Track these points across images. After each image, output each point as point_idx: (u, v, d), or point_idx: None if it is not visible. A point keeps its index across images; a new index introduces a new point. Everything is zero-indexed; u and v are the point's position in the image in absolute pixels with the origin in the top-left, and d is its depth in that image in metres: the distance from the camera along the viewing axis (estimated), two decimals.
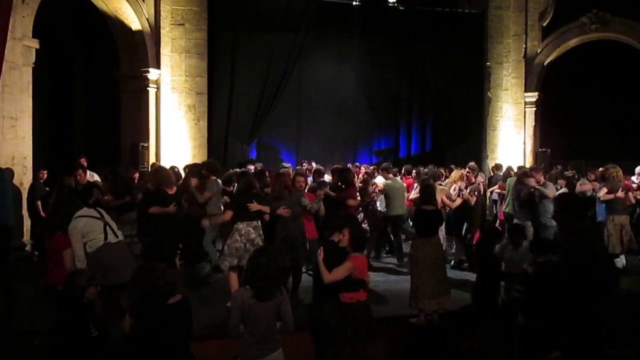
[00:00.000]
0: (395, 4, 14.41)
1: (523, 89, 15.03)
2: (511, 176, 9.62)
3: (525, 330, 4.63)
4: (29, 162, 9.21)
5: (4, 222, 6.44)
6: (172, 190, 6.68)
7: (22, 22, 8.90)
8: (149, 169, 10.71)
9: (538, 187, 8.06)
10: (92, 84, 14.13)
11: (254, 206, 6.14)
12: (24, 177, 8.96)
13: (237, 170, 9.52)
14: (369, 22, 14.20)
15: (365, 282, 4.67)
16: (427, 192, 6.85)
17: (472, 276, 7.39)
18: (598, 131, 14.73)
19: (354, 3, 14.16)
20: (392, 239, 9.08)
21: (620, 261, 8.05)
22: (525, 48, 14.93)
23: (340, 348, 4.58)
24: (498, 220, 9.96)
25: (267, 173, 8.67)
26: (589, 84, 14.79)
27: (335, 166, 9.69)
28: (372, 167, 11.62)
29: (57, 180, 7.99)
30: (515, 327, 4.77)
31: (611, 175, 8.27)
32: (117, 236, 5.56)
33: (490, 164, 14.01)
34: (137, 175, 9.55)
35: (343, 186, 7.89)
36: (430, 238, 6.24)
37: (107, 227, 5.51)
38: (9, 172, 8.33)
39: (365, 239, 5.00)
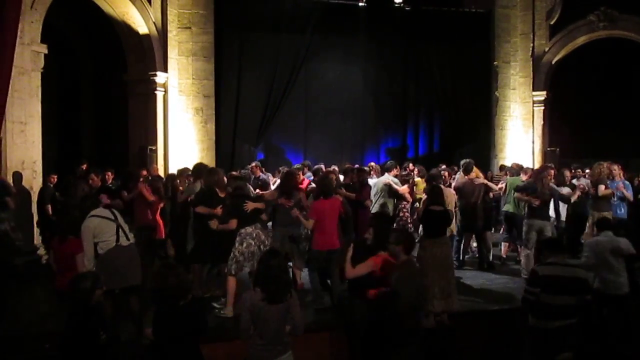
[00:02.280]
0: (402, 4, 14.35)
1: (531, 88, 14.93)
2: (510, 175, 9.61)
3: (535, 331, 4.61)
4: (39, 167, 9.28)
5: None
6: (223, 194, 6.67)
7: (30, 28, 8.97)
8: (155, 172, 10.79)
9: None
10: (100, 88, 14.22)
11: (250, 204, 6.16)
12: (33, 182, 9.02)
13: (234, 173, 9.47)
14: (375, 22, 14.17)
15: (386, 280, 4.64)
16: (435, 192, 6.84)
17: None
18: (608, 129, 14.60)
19: (360, 4, 14.13)
20: None
21: None
22: (533, 47, 14.85)
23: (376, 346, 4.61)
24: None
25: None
26: (598, 82, 14.68)
27: (347, 166, 9.63)
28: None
29: (70, 184, 8.07)
30: (525, 327, 4.75)
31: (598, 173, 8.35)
32: (128, 239, 5.60)
33: (500, 163, 13.96)
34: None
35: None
36: (438, 238, 6.24)
37: (120, 230, 5.55)
38: (17, 176, 8.42)
39: (386, 239, 4.89)
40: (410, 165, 11.12)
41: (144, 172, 9.59)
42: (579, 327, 4.58)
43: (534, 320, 4.63)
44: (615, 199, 8.35)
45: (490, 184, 8.94)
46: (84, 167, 9.44)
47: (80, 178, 8.08)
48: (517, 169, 10.16)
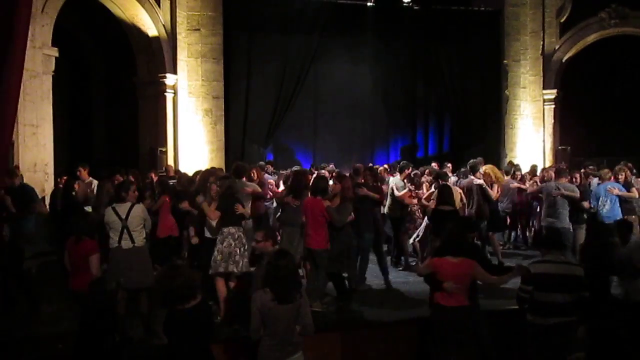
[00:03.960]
0: (410, 4, 14.32)
1: (541, 86, 14.84)
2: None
3: (533, 327, 4.60)
4: (51, 169, 9.37)
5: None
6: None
7: (41, 31, 9.06)
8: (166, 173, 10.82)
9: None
10: (110, 90, 14.32)
11: (240, 208, 6.07)
12: (45, 184, 9.10)
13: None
14: (383, 22, 14.15)
15: (441, 285, 4.57)
16: (444, 192, 6.83)
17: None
18: (619, 128, 14.48)
19: (369, 3, 14.11)
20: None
21: None
22: (543, 45, 14.76)
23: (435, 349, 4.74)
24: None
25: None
26: (609, 80, 14.58)
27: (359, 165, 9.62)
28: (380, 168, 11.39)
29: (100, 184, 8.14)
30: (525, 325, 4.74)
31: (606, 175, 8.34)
32: (133, 242, 5.62)
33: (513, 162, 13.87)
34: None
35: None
36: None
37: (125, 231, 5.59)
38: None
39: (459, 243, 4.80)
40: (433, 164, 11.00)
41: (152, 175, 9.61)
42: (579, 326, 4.55)
43: (531, 317, 4.64)
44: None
45: (487, 189, 8.63)
46: (86, 171, 9.12)
47: (105, 180, 8.08)
48: (510, 167, 10.16)
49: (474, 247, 5.25)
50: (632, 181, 8.62)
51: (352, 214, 6.57)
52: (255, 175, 8.68)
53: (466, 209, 8.20)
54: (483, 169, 8.78)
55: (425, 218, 8.24)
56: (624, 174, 8.48)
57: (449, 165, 10.80)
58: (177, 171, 11.38)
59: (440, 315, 4.63)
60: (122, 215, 5.62)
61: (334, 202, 6.49)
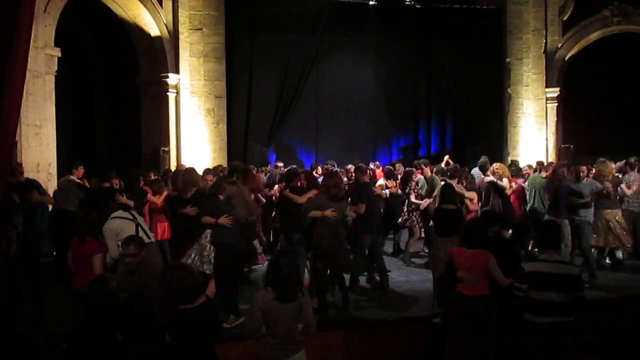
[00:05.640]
0: (412, 2, 14.34)
1: (544, 84, 14.81)
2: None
3: (530, 325, 4.61)
4: (54, 169, 9.39)
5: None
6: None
7: (44, 32, 9.09)
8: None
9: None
10: (113, 90, 14.34)
11: (189, 210, 6.02)
12: (48, 184, 9.11)
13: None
14: (385, 21, 14.16)
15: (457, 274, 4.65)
16: (447, 191, 6.82)
17: None
18: (622, 125, 14.45)
19: (371, 2, 14.13)
20: None
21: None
22: (546, 43, 14.73)
23: (450, 339, 4.75)
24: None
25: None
26: (612, 78, 14.53)
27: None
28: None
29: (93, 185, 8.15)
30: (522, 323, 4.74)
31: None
32: (149, 237, 5.65)
33: (517, 161, 13.84)
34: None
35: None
36: (451, 237, 6.20)
37: (139, 228, 5.61)
38: None
39: (474, 235, 4.85)
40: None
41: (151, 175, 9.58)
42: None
43: (528, 316, 4.64)
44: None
45: (499, 182, 8.62)
46: (81, 171, 8.96)
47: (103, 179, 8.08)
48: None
49: (499, 242, 5.24)
50: (623, 176, 8.57)
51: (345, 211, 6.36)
52: None
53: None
54: (493, 166, 8.77)
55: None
56: (598, 167, 8.39)
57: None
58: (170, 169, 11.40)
59: (458, 303, 4.67)
60: (130, 217, 5.62)
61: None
